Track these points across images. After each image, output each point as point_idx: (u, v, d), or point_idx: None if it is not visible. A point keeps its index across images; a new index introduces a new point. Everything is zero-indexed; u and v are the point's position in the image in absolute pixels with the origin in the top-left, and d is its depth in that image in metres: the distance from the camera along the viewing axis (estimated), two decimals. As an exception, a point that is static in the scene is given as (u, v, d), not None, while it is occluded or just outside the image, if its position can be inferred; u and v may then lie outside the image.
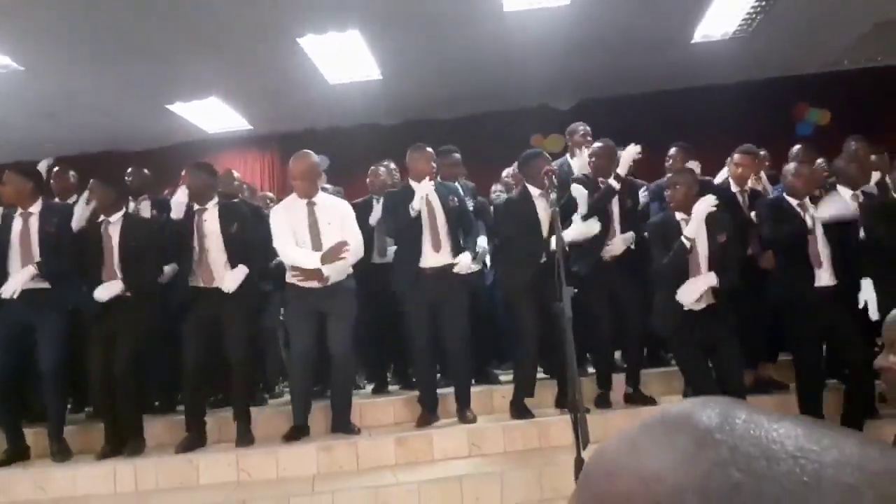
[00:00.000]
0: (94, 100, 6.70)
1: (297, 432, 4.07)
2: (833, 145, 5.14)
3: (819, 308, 3.88)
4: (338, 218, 4.12)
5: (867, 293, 3.84)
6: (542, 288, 3.95)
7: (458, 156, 4.85)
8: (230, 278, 4.05)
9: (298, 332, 4.07)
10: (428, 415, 4.21)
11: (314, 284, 3.97)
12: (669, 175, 4.24)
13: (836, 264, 3.97)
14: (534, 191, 4.17)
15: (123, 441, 4.04)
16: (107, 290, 4.01)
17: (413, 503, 3.49)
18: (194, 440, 4.06)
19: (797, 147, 5.01)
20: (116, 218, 4.16)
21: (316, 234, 4.05)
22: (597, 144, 4.54)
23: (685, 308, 3.77)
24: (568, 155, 5.17)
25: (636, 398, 4.34)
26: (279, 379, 5.22)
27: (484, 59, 6.49)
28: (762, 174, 5.01)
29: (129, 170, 5.15)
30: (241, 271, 4.09)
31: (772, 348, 4.63)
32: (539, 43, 6.14)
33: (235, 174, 5.48)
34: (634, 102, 7.43)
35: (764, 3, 5.80)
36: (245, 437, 4.06)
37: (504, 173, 5.54)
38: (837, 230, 4.02)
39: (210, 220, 4.14)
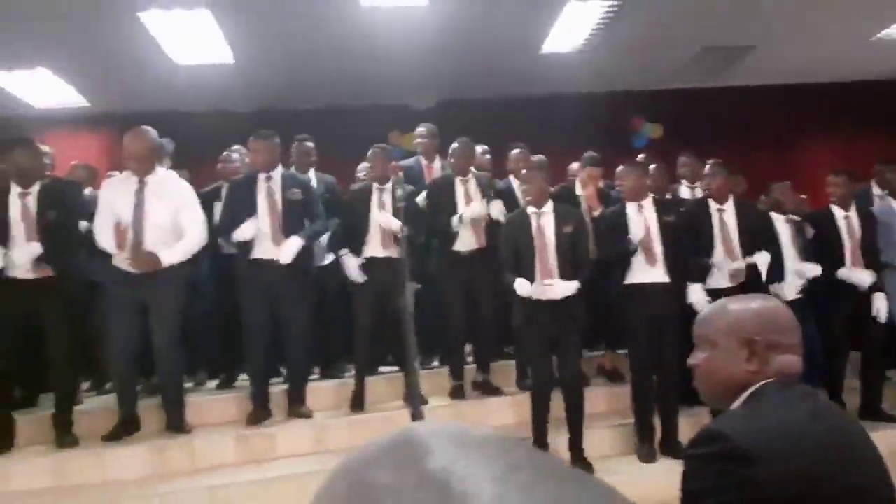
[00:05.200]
0: None
1: (123, 430, 3.80)
2: (664, 157, 5.62)
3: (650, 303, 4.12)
4: (171, 199, 3.84)
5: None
6: (381, 282, 4.14)
7: (311, 144, 4.77)
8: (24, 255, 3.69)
9: (119, 323, 3.75)
10: (259, 411, 4.09)
11: (125, 265, 3.69)
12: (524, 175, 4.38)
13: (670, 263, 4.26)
14: (376, 185, 4.36)
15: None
16: None
17: (254, 502, 3.38)
18: (3, 443, 3.67)
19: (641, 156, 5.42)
20: None
21: (139, 216, 3.74)
22: (455, 144, 4.65)
23: (534, 299, 3.90)
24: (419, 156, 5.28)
25: (484, 386, 4.51)
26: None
27: (341, 51, 6.41)
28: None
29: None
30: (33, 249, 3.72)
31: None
32: (397, 40, 6.16)
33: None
34: (488, 105, 7.66)
35: (607, 21, 6.19)
36: (65, 438, 3.73)
37: (358, 168, 5.53)
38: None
39: (31, 204, 3.76)
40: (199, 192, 4.34)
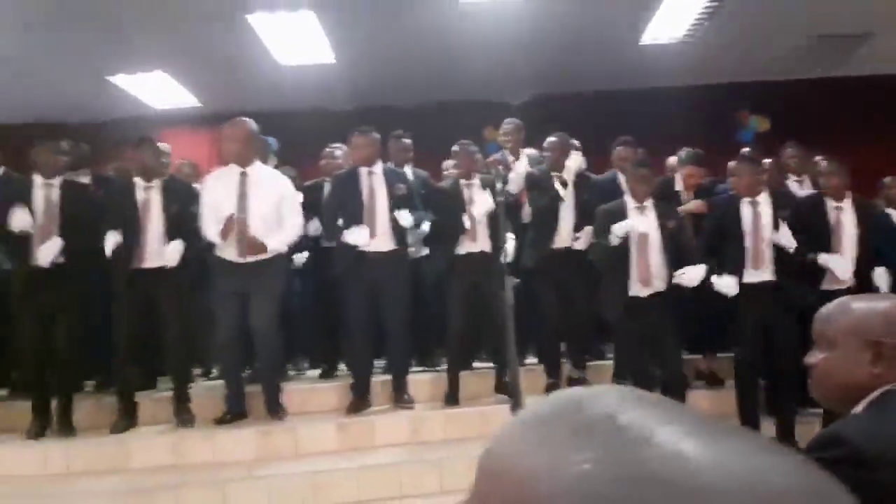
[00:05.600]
0: (29, 66, 6.41)
1: (233, 416, 4.01)
2: (772, 152, 5.37)
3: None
4: (273, 195, 4.02)
5: None
6: (475, 277, 4.16)
7: (408, 141, 4.86)
8: (171, 251, 3.92)
9: (224, 311, 3.96)
10: (359, 401, 4.19)
11: (235, 257, 3.86)
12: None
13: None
14: (463, 181, 4.38)
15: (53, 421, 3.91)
16: (47, 250, 3.82)
17: (352, 489, 3.50)
18: (127, 421, 3.96)
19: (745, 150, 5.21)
20: (57, 182, 4.00)
21: (243, 206, 3.93)
22: (551, 138, 4.63)
23: (630, 294, 3.85)
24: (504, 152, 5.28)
25: (581, 384, 4.46)
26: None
27: (438, 48, 6.48)
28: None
29: (63, 142, 4.96)
30: (180, 244, 3.97)
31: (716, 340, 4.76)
32: (493, 36, 6.17)
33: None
34: (583, 100, 7.55)
35: (711, 10, 5.96)
36: (184, 417, 3.98)
37: (444, 165, 5.59)
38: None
39: (154, 197, 4.03)
40: (303, 187, 4.51)
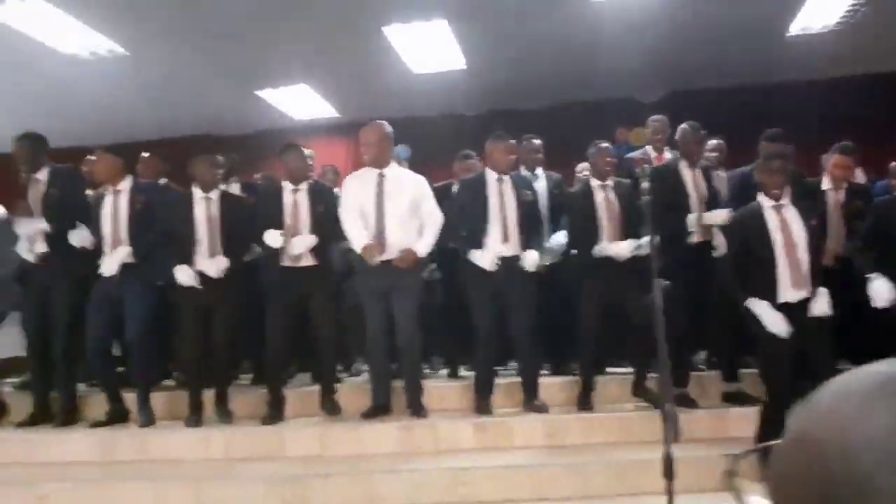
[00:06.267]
0: (190, 84, 6.99)
1: (378, 411, 4.16)
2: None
3: None
4: (409, 193, 4.13)
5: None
6: (607, 279, 4.05)
7: (538, 142, 4.84)
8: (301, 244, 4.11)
9: (370, 310, 4.10)
10: (483, 402, 4.20)
11: (374, 261, 3.99)
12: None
13: None
14: (595, 182, 4.26)
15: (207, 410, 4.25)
16: (216, 264, 4.14)
17: (491, 488, 3.52)
18: (276, 414, 4.21)
19: None
20: (216, 195, 4.31)
21: (381, 205, 4.07)
22: (684, 126, 4.44)
23: (780, 302, 3.58)
24: (647, 148, 5.14)
25: (734, 397, 4.21)
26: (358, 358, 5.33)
27: (570, 47, 6.43)
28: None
29: (218, 156, 5.32)
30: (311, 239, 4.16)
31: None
32: (628, 31, 6.04)
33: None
34: (723, 96, 7.21)
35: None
36: (330, 408, 4.18)
37: (577, 168, 5.52)
38: None
39: (301, 200, 4.25)
40: (432, 188, 4.60)
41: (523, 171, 4.83)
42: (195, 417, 4.19)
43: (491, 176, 4.26)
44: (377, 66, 6.80)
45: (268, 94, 7.47)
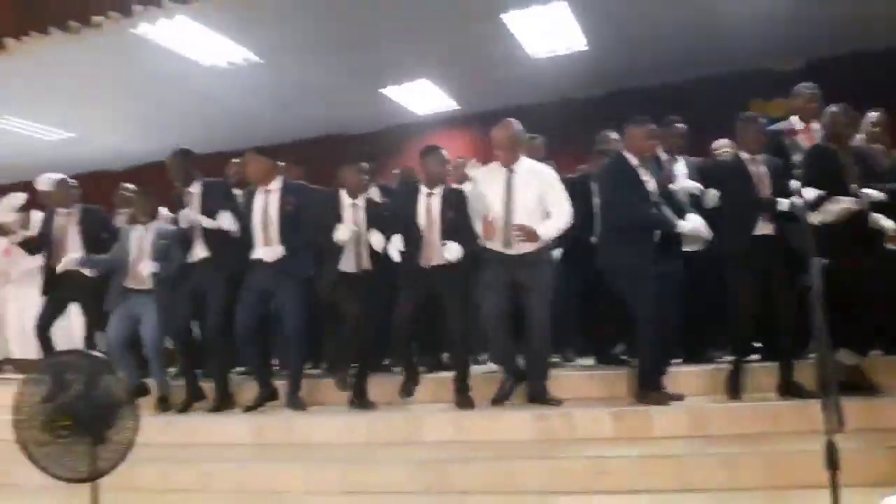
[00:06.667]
0: (320, 88, 7.29)
1: (503, 396, 4.19)
2: None
3: None
4: (536, 184, 4.11)
5: None
6: (760, 258, 3.80)
7: (681, 126, 4.62)
8: (452, 249, 4.16)
9: (486, 300, 4.11)
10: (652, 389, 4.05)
11: (499, 246, 4.01)
12: None
13: None
14: (745, 156, 4.01)
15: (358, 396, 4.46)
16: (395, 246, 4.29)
17: (633, 477, 3.43)
18: (410, 387, 4.40)
19: None
20: (361, 201, 4.51)
21: (509, 200, 4.08)
22: (833, 108, 4.06)
23: None
24: (792, 119, 4.73)
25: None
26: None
27: (696, 18, 6.11)
28: None
29: (364, 164, 5.44)
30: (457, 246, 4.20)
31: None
32: (762, -2, 5.66)
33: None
34: (875, 59, 6.59)
35: None
36: (464, 398, 4.25)
37: (714, 145, 5.20)
38: None
39: (434, 204, 4.31)
40: (563, 178, 4.52)
41: (663, 156, 4.63)
42: (363, 402, 4.44)
43: (632, 160, 4.04)
44: (496, 55, 6.79)
45: (391, 91, 7.65)
